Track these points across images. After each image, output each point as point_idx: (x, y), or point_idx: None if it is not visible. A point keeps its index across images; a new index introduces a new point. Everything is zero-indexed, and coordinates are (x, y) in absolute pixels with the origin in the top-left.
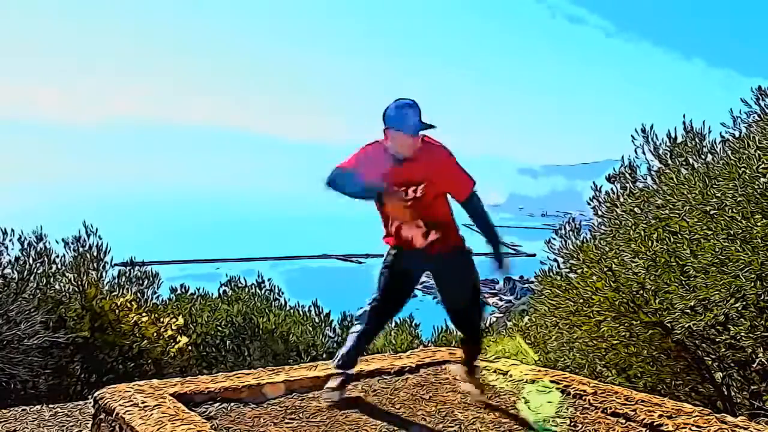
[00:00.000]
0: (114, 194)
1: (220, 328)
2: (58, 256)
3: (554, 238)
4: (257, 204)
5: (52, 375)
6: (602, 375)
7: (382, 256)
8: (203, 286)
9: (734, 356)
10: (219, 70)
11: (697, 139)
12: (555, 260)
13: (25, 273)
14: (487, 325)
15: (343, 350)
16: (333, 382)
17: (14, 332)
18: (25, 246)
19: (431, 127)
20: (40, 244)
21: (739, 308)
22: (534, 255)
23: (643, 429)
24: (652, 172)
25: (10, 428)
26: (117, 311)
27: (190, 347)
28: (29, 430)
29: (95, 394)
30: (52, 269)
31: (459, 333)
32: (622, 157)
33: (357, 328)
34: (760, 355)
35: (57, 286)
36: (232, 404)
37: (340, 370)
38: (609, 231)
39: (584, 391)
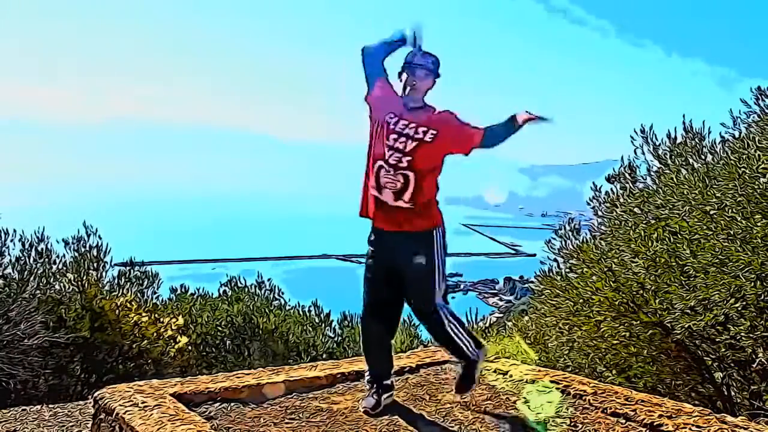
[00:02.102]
0: (114, 194)
1: (220, 328)
2: (58, 256)
3: (554, 238)
4: (257, 204)
5: (52, 375)
6: (602, 375)
7: None
8: (203, 286)
9: (734, 356)
10: (219, 70)
11: (696, 140)
12: (555, 260)
13: (26, 273)
14: (487, 325)
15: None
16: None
17: (14, 332)
18: (26, 246)
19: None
20: (41, 245)
21: (739, 308)
22: (534, 255)
23: (643, 429)
24: (652, 173)
25: (10, 428)
26: (117, 311)
27: (190, 347)
28: (29, 430)
29: (95, 394)
30: (53, 269)
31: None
32: (622, 157)
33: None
34: (760, 355)
35: (57, 286)
36: (232, 404)
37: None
38: (609, 231)
39: (584, 391)
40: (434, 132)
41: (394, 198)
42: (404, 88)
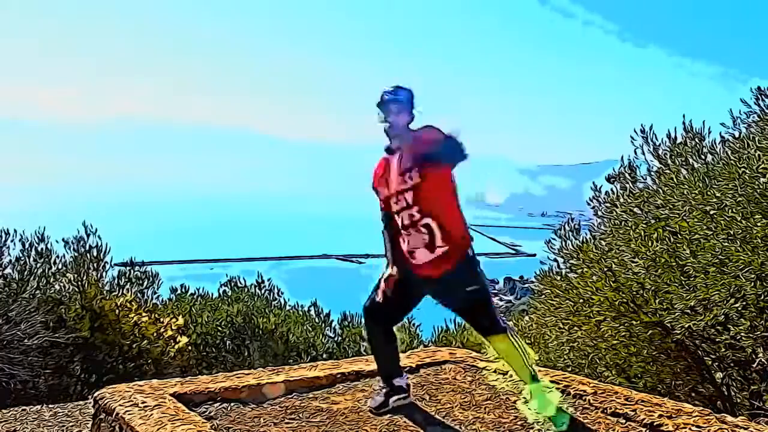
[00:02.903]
0: (114, 194)
1: (220, 328)
2: (58, 256)
3: (554, 238)
4: (257, 204)
5: (52, 375)
6: (602, 375)
7: (381, 256)
8: (203, 286)
9: (734, 356)
10: (219, 70)
11: (696, 140)
12: (555, 260)
13: (26, 273)
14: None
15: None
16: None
17: (14, 332)
18: (26, 246)
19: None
20: (41, 245)
21: (739, 308)
22: (534, 255)
23: (643, 429)
24: (652, 173)
25: (10, 428)
26: (117, 311)
27: (190, 347)
28: (29, 430)
29: (95, 394)
30: (52, 269)
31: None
32: (622, 157)
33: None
34: (760, 355)
35: (57, 286)
36: (232, 404)
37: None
38: (609, 231)
39: (584, 391)
40: (418, 171)
41: (429, 252)
42: (383, 126)
